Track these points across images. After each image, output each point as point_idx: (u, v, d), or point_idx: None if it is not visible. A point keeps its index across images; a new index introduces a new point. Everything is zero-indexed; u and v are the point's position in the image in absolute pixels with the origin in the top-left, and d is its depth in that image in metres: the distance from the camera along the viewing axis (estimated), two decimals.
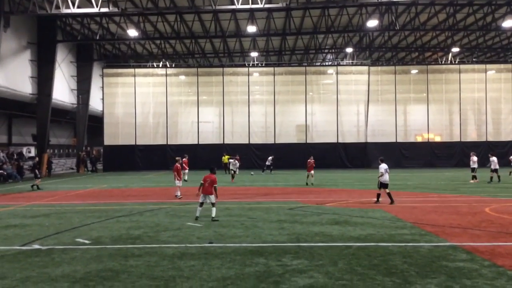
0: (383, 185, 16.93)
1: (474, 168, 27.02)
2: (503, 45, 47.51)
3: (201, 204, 13.68)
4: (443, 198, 18.68)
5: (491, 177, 26.23)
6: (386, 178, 16.88)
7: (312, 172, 26.21)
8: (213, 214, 13.40)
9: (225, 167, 37.70)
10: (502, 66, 46.37)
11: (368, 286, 6.83)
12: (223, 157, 38.94)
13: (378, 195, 17.27)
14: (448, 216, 13.73)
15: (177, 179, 19.65)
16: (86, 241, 10.46)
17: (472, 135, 45.50)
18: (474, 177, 26.82)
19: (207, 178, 13.64)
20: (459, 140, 45.00)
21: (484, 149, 42.71)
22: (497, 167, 26.12)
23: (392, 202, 16.60)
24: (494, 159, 26.39)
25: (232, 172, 30.43)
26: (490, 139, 44.66)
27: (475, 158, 27.35)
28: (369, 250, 9.21)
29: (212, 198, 13.50)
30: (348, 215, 14.10)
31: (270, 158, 38.23)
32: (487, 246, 9.49)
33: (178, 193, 19.58)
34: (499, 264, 8.02)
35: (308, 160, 26.85)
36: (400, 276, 7.35)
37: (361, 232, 11.22)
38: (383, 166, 16.98)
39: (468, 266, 7.93)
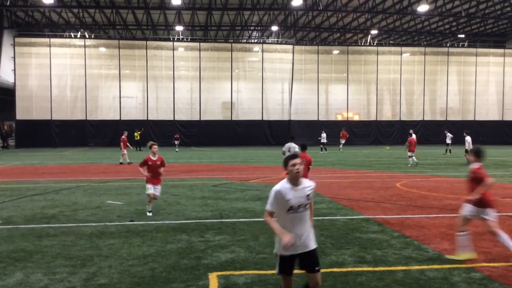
0: None
1: (449, 143, 31.48)
2: (417, 29, 50.33)
3: None
4: (359, 174, 19.70)
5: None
6: None
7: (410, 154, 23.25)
8: None
9: (137, 143, 36.60)
10: (416, 49, 49.15)
11: None
12: (135, 133, 37.30)
13: None
14: (363, 190, 14.53)
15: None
16: None
17: (387, 115, 48.17)
18: (448, 151, 31.40)
19: (301, 158, 11.59)
20: (375, 119, 47.49)
21: (398, 128, 45.54)
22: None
23: None
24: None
25: None
26: (403, 118, 47.51)
27: (450, 135, 31.78)
28: None
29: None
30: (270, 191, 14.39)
31: (324, 135, 35.44)
32: (397, 219, 10.19)
33: None
34: (407, 235, 8.65)
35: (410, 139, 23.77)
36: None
37: None
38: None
39: (379, 237, 8.47)
